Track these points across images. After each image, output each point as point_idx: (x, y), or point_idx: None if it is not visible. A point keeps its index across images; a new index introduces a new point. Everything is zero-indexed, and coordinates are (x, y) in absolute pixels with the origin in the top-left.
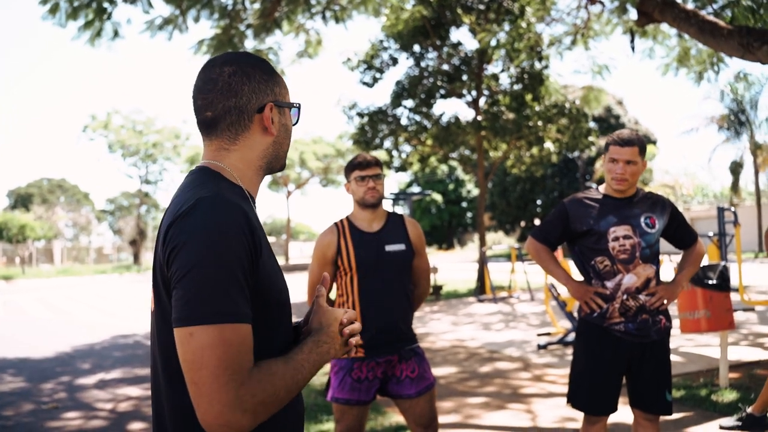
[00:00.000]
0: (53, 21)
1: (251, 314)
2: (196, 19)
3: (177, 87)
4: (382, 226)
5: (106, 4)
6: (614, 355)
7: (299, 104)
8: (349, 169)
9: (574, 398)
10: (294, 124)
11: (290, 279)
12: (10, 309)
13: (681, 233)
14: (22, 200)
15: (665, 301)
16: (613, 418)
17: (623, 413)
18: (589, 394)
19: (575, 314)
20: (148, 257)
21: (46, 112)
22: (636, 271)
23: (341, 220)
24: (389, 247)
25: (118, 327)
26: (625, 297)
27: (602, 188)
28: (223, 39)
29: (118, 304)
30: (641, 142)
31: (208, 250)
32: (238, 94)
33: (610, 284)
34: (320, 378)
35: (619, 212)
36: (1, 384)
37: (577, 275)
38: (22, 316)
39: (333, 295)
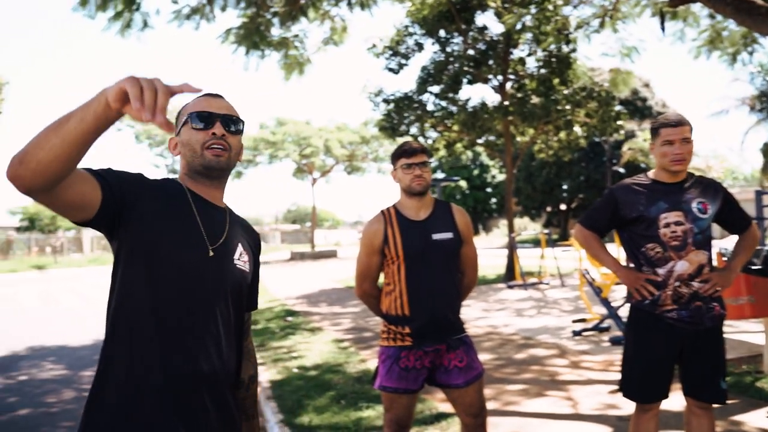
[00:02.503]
0: (83, 13)
1: (105, 179)
2: (223, 8)
3: (203, 76)
4: (429, 215)
5: None
6: (666, 342)
7: (188, 115)
8: (396, 156)
9: (625, 387)
10: (197, 128)
11: (316, 266)
12: (44, 298)
13: (734, 218)
14: None
15: (719, 288)
16: (663, 405)
17: (674, 400)
18: (640, 382)
19: (615, 302)
20: None
21: (73, 103)
22: (688, 257)
23: (388, 208)
24: (436, 236)
25: None
26: (677, 284)
27: (651, 174)
28: (250, 27)
29: None
30: (689, 122)
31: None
32: None
33: (661, 271)
34: (357, 366)
35: (669, 198)
36: (43, 371)
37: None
38: (57, 305)
39: (381, 282)
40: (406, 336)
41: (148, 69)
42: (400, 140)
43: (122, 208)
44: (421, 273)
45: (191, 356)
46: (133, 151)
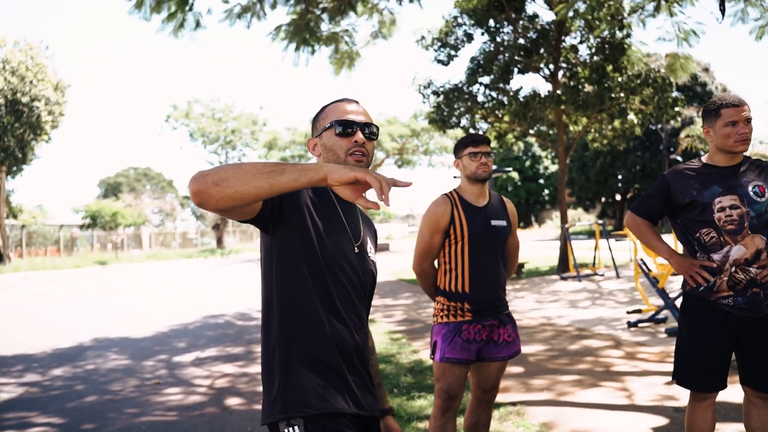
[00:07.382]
0: (139, 15)
1: (270, 204)
2: (273, 6)
3: (253, 74)
4: (487, 202)
5: None
6: (722, 329)
7: (331, 122)
8: (462, 145)
9: (680, 375)
10: (340, 134)
11: None
12: (108, 292)
13: None
14: (112, 189)
15: None
16: (721, 396)
17: (732, 391)
18: (696, 370)
19: (672, 292)
20: (229, 241)
21: (131, 104)
22: (745, 242)
23: (451, 192)
24: (494, 222)
25: (208, 308)
26: (733, 269)
27: (704, 158)
28: (300, 24)
29: (206, 286)
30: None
31: None
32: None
33: (717, 257)
34: (409, 357)
35: (723, 182)
36: (108, 361)
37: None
38: (119, 299)
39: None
40: (467, 311)
41: (201, 69)
42: (451, 132)
43: (280, 213)
44: (481, 254)
45: (350, 331)
46: (187, 148)
